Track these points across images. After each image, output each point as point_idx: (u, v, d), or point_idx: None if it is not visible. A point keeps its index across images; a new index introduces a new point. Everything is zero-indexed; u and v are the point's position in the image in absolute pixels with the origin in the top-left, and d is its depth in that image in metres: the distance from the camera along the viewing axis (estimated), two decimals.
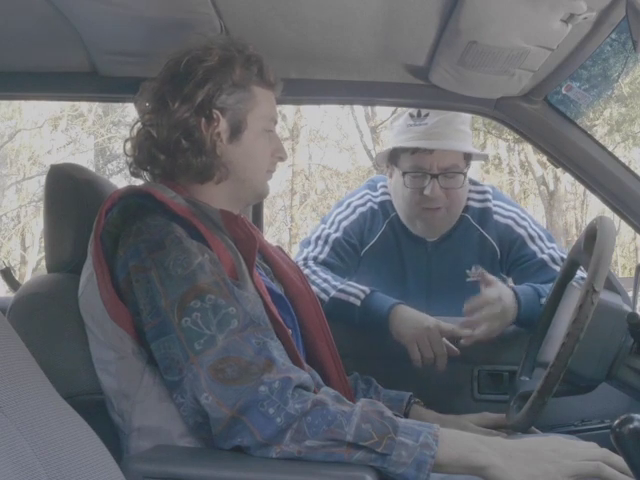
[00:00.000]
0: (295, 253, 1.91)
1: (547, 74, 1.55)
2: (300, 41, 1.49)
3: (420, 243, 1.86)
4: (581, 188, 11.53)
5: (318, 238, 1.85)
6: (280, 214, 14.52)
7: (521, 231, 1.82)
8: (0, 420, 0.79)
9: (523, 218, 1.84)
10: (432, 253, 1.85)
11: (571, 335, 1.17)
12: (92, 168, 10.15)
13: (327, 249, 1.83)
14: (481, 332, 1.59)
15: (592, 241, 1.28)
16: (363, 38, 1.47)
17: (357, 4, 1.33)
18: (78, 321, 1.24)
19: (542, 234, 1.82)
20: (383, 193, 1.89)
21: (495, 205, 1.86)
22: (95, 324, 1.20)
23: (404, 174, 1.78)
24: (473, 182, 1.89)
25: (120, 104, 9.43)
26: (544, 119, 1.66)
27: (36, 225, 12.72)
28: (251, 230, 1.26)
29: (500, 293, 1.61)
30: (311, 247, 1.84)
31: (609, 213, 2.65)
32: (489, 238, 1.83)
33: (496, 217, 1.84)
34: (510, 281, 1.86)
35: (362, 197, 1.90)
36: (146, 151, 1.29)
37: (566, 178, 11.80)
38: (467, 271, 1.84)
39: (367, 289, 1.68)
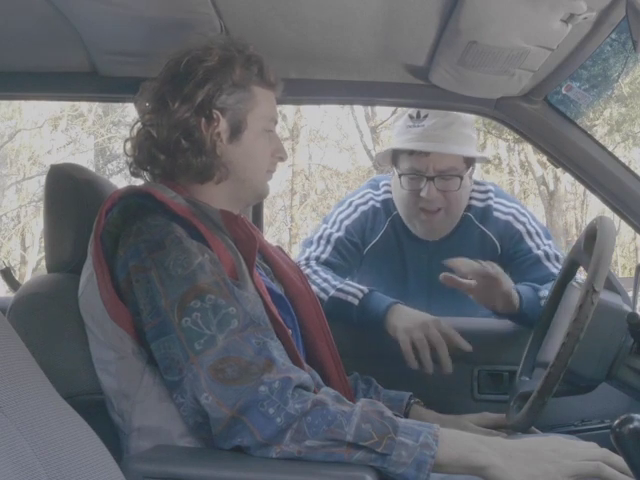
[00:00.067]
0: (295, 253, 1.91)
1: (547, 74, 1.55)
2: (300, 41, 1.49)
3: (421, 242, 1.86)
4: (581, 188, 11.52)
5: (320, 238, 1.85)
6: (280, 214, 14.52)
7: (520, 227, 1.82)
8: (0, 420, 0.79)
9: (523, 214, 1.84)
10: (433, 253, 1.85)
11: (571, 335, 1.17)
12: (92, 168, 10.14)
13: (329, 248, 1.83)
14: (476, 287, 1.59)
15: (592, 241, 1.28)
16: (363, 38, 1.47)
17: (357, 4, 1.33)
18: (78, 321, 1.24)
19: (540, 230, 1.82)
20: (386, 192, 1.89)
21: (496, 202, 1.86)
22: (95, 324, 1.20)
23: (400, 175, 1.78)
24: (476, 182, 1.89)
25: (120, 104, 9.41)
26: (544, 119, 1.66)
27: (36, 225, 12.71)
28: (251, 230, 1.26)
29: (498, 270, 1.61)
30: (313, 247, 1.84)
31: (609, 213, 2.65)
32: (490, 235, 1.84)
33: (497, 214, 1.84)
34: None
35: (364, 196, 1.90)
36: (146, 151, 1.29)
37: (566, 178, 11.80)
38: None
39: (365, 289, 1.68)
